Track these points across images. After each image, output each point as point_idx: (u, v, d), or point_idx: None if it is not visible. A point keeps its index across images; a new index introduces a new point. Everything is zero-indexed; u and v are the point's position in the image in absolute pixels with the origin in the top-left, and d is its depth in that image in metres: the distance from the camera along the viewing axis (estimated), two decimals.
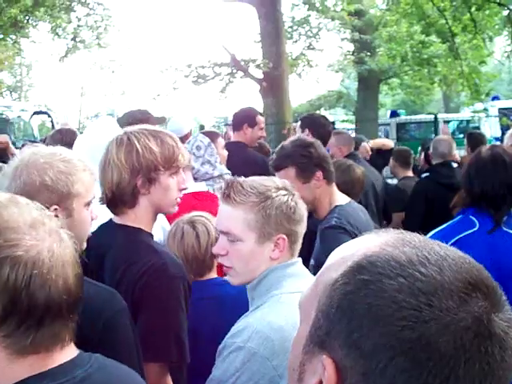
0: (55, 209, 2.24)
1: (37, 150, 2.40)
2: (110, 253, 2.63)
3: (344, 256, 0.95)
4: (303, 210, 2.38)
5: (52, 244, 1.43)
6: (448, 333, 0.83)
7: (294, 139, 3.85)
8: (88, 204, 2.44)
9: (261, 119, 6.22)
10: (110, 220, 2.77)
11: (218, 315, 2.90)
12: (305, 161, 3.60)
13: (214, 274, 3.20)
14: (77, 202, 2.33)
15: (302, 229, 2.37)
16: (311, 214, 3.37)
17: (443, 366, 0.82)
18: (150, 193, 2.64)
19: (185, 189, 2.80)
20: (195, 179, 4.72)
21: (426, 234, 3.06)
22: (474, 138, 7.89)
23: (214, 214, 4.30)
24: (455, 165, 6.23)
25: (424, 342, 0.82)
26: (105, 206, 2.73)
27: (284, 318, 2.10)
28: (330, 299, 0.91)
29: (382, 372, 0.83)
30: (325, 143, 5.65)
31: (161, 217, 3.16)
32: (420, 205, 5.95)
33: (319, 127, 5.73)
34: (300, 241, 2.39)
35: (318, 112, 29.49)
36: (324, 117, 6.55)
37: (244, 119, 6.09)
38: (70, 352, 1.50)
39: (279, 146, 3.78)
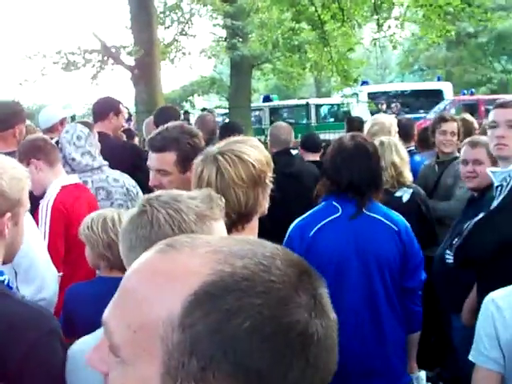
0: (9, 217, 2.12)
1: None
2: None
3: (168, 279, 0.91)
4: None
5: None
6: None
7: (179, 124, 3.63)
8: (24, 213, 2.34)
9: (123, 108, 6.19)
10: None
11: None
12: (189, 149, 3.31)
13: None
14: (22, 210, 2.23)
15: None
16: None
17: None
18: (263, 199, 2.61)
19: None
20: (74, 171, 4.63)
21: (280, 227, 3.06)
22: (353, 123, 8.11)
23: (92, 205, 4.28)
24: (294, 151, 6.27)
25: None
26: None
27: None
28: (192, 335, 0.86)
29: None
30: None
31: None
32: None
33: (164, 118, 5.62)
34: None
35: (190, 98, 29.46)
36: (172, 107, 6.54)
37: (109, 108, 5.94)
38: None
39: (164, 128, 3.53)
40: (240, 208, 2.49)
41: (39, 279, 3.28)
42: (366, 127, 6.35)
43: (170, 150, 3.31)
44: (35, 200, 4.13)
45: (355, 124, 7.96)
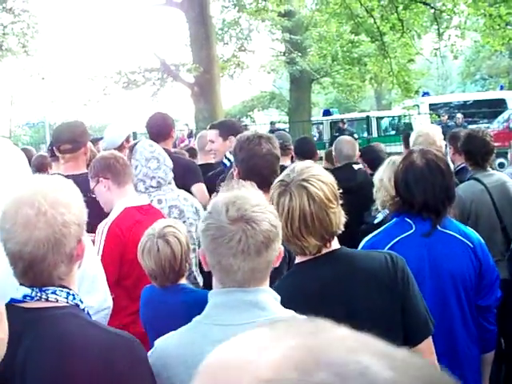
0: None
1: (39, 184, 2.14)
2: None
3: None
4: None
5: None
6: None
7: None
8: None
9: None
10: None
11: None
12: None
13: (184, 280, 3.42)
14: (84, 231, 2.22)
15: None
16: None
17: None
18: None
19: None
20: (157, 187, 4.63)
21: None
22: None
23: None
24: (357, 166, 6.17)
25: None
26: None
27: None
28: None
29: None
30: None
31: None
32: None
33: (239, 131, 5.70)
34: None
35: (250, 113, 29.57)
36: (237, 121, 6.51)
37: (169, 126, 6.04)
38: None
39: None
40: (333, 227, 2.62)
41: (104, 289, 3.27)
42: (412, 139, 6.19)
43: None
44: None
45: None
